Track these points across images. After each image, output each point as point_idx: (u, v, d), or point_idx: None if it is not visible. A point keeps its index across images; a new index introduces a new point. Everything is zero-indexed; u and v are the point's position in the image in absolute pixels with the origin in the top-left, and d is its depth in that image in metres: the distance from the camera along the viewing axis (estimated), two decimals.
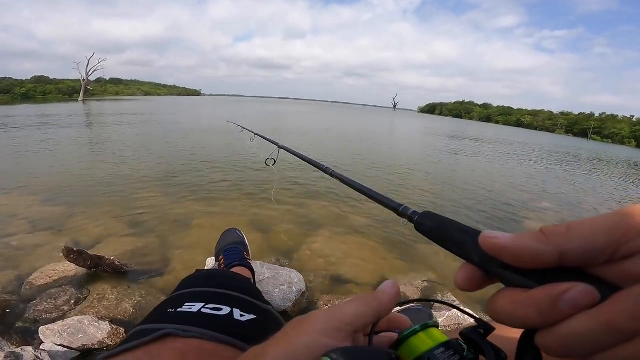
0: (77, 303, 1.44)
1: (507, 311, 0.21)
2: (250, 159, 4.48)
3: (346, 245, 2.18)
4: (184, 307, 0.43)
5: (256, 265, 1.50)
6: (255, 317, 0.45)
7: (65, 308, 1.40)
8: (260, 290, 1.28)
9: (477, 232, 0.24)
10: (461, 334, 0.27)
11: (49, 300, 1.42)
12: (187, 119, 12.24)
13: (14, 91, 44.72)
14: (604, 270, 0.19)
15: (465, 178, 5.16)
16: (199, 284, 0.49)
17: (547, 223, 3.22)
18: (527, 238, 0.21)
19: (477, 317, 0.29)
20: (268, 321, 0.47)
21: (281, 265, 1.66)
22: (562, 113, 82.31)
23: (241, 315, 0.44)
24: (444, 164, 6.44)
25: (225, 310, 0.43)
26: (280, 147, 1.24)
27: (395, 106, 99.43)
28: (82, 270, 1.63)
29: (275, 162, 1.23)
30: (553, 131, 72.55)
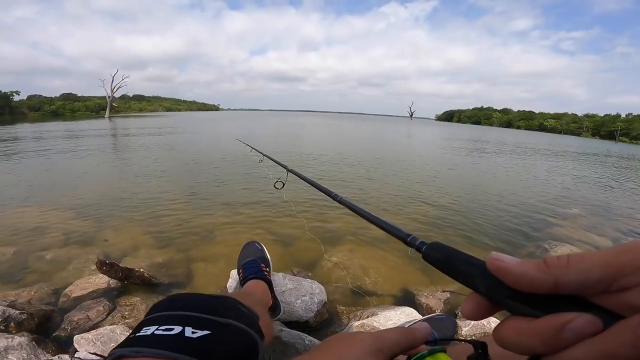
0: (109, 313, 1.51)
1: (513, 340, 0.23)
2: (267, 175, 4.55)
3: (367, 257, 2.18)
4: (140, 331, 0.47)
5: (278, 277, 1.53)
6: (209, 332, 0.47)
7: (99, 318, 1.47)
8: (282, 300, 1.32)
9: (483, 263, 0.26)
10: (468, 358, 0.29)
11: (83, 311, 1.49)
12: (207, 135, 12.56)
13: (44, 108, 46.89)
14: (605, 299, 0.21)
15: (491, 186, 5.07)
16: (161, 309, 0.53)
17: (577, 229, 3.14)
18: (530, 265, 0.23)
19: (469, 340, 0.31)
20: (225, 334, 0.49)
21: (302, 277, 1.68)
22: (586, 115, 79.56)
23: (193, 332, 0.46)
24: (467, 172, 6.35)
25: (177, 329, 0.46)
26: (288, 170, 1.25)
27: (411, 115, 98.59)
28: (113, 282, 1.70)
29: (284, 185, 1.24)
30: (579, 134, 70.05)
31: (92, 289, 1.66)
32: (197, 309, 0.51)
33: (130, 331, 0.52)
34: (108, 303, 1.56)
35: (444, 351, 0.32)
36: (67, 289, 1.67)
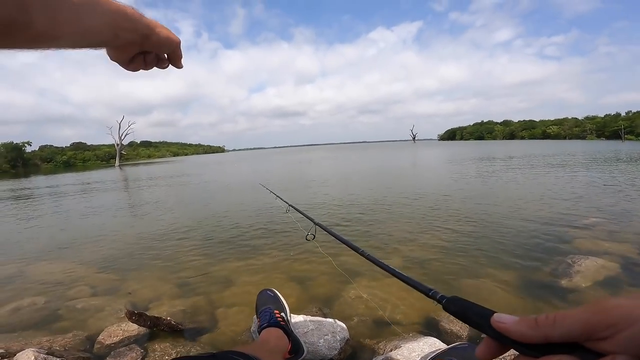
0: (142, 359, 1.57)
1: None
2: (281, 216, 4.58)
3: (385, 288, 2.19)
4: None
5: (299, 318, 1.58)
6: None
7: None
8: (305, 341, 1.37)
9: (491, 314, 0.34)
10: None
11: (118, 358, 1.55)
12: (216, 180, 12.70)
13: (56, 159, 47.89)
14: (592, 344, 0.27)
15: (505, 203, 5.01)
16: None
17: (597, 240, 3.06)
18: (523, 325, 0.30)
19: None
20: None
21: (323, 315, 1.72)
22: (587, 118, 79.21)
23: None
24: (478, 192, 6.29)
25: None
26: (316, 223, 1.28)
27: (414, 137, 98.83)
28: (143, 330, 1.77)
29: (314, 237, 1.27)
30: (584, 138, 69.44)
31: (123, 336, 1.72)
32: None
33: None
34: (140, 349, 1.62)
35: None
36: (100, 336, 1.75)
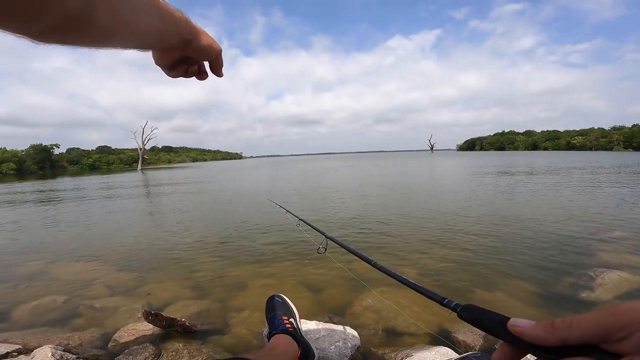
0: (155, 359, 1.59)
1: None
2: (291, 225, 4.60)
3: (398, 298, 2.17)
4: None
5: (312, 324, 1.58)
6: None
7: None
8: (317, 347, 1.36)
9: (506, 320, 0.35)
10: None
11: (131, 356, 1.58)
12: (233, 186, 12.92)
13: (82, 162, 49.63)
14: (608, 345, 0.27)
15: (528, 215, 4.88)
16: None
17: (621, 253, 2.98)
18: (540, 329, 0.31)
19: None
20: None
21: (334, 323, 1.72)
22: (614, 128, 76.12)
23: None
24: (501, 203, 6.15)
25: None
26: (327, 237, 1.30)
27: (432, 147, 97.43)
28: (157, 330, 1.80)
29: (325, 250, 1.29)
30: (610, 149, 66.73)
31: (138, 335, 1.76)
32: None
33: None
34: (153, 348, 1.65)
35: None
36: (116, 335, 1.80)
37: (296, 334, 1.28)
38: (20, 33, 0.27)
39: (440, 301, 0.51)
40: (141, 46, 0.43)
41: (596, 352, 0.28)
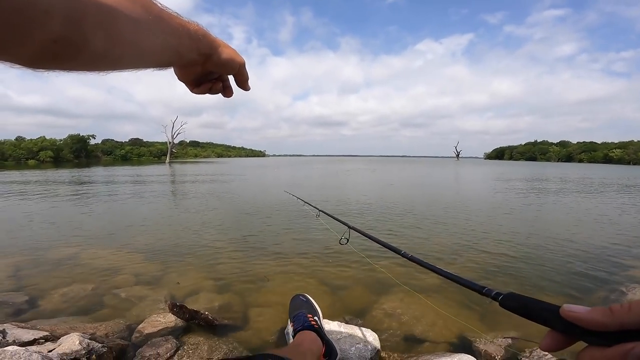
0: (176, 351, 1.62)
1: None
2: (315, 222, 4.63)
3: (420, 304, 2.14)
4: None
5: (334, 324, 1.57)
6: None
7: (167, 355, 1.58)
8: (335, 347, 1.35)
9: (556, 307, 0.33)
10: None
11: (153, 348, 1.61)
12: (260, 182, 13.15)
13: (115, 152, 52.08)
14: None
15: (557, 229, 4.73)
16: None
17: None
18: (598, 313, 0.29)
19: None
20: None
21: (355, 324, 1.70)
22: None
23: None
24: (528, 215, 5.97)
25: None
26: (350, 227, 1.28)
27: (458, 155, 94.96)
28: (179, 322, 1.84)
29: (348, 240, 1.26)
30: None
31: (161, 327, 1.80)
32: None
33: None
34: (175, 341, 1.68)
35: None
36: (140, 326, 1.83)
37: (321, 331, 1.27)
38: (8, 61, 0.26)
39: (479, 290, 0.49)
40: (156, 65, 0.41)
41: None
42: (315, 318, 1.37)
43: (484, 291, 0.48)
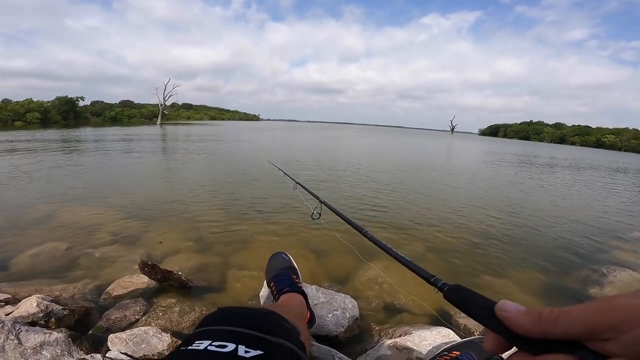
0: (144, 313, 1.55)
1: None
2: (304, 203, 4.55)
3: (402, 274, 2.09)
4: (193, 345, 0.46)
5: (312, 289, 1.50)
6: (262, 352, 0.46)
7: (134, 317, 1.51)
8: (314, 313, 1.28)
9: (493, 304, 0.31)
10: None
11: (121, 310, 1.54)
12: (249, 146, 12.93)
13: (105, 114, 51.01)
14: (594, 344, 0.25)
15: (544, 206, 4.76)
16: (213, 322, 0.52)
17: (638, 253, 2.95)
18: (526, 317, 0.28)
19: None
20: (276, 354, 0.48)
21: (335, 291, 1.64)
22: None
23: (246, 352, 0.45)
24: (515, 191, 5.99)
25: (230, 347, 0.45)
26: (321, 202, 1.27)
27: (452, 129, 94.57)
28: (152, 283, 1.76)
29: (320, 215, 1.25)
30: None
31: (132, 288, 1.72)
32: (249, 326, 0.51)
33: (181, 341, 0.52)
34: (145, 303, 1.61)
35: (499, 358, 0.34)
36: (110, 287, 1.75)
37: (306, 296, 1.17)
38: None
39: (428, 278, 0.48)
40: None
41: (580, 350, 0.25)
42: (298, 281, 1.26)
43: (431, 280, 0.47)
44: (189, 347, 0.45)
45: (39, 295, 1.42)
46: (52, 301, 1.42)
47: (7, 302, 1.49)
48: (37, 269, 2.03)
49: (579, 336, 0.26)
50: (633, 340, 0.23)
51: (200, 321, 0.55)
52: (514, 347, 0.30)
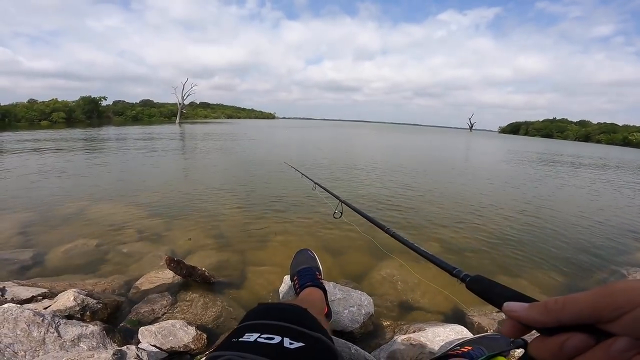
0: (171, 307, 1.64)
1: (537, 353, 0.30)
2: (325, 203, 4.59)
3: (418, 272, 2.12)
4: (243, 337, 0.52)
5: (329, 286, 1.56)
6: (303, 344, 0.51)
7: (162, 311, 1.60)
8: (331, 309, 1.34)
9: (512, 293, 0.35)
10: (519, 359, 0.35)
11: (149, 304, 1.63)
12: (267, 145, 13.05)
13: (126, 113, 52.41)
14: (604, 325, 0.27)
15: (566, 206, 4.68)
16: (258, 317, 0.58)
17: None
18: (535, 311, 0.30)
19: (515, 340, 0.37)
20: (316, 349, 0.52)
21: (352, 288, 1.69)
22: None
23: (290, 343, 0.50)
24: (537, 191, 5.85)
25: (277, 339, 0.50)
26: (342, 201, 1.29)
27: (471, 127, 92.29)
28: (177, 278, 1.86)
29: (342, 214, 1.27)
30: None
31: (158, 283, 1.82)
32: (291, 321, 0.57)
33: (230, 331, 0.59)
34: (171, 297, 1.70)
35: (504, 354, 0.39)
36: (138, 282, 1.86)
37: (326, 292, 1.23)
38: None
39: (450, 270, 0.50)
40: None
41: (594, 332, 0.27)
42: (320, 277, 1.32)
43: (454, 272, 0.49)
44: (240, 339, 0.51)
45: (75, 290, 1.52)
46: (87, 295, 1.51)
47: (44, 296, 1.59)
48: (69, 264, 2.15)
49: (587, 319, 0.27)
50: (633, 319, 0.25)
51: (245, 316, 0.61)
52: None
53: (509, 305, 0.33)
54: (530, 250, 2.75)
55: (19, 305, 1.27)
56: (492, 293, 0.37)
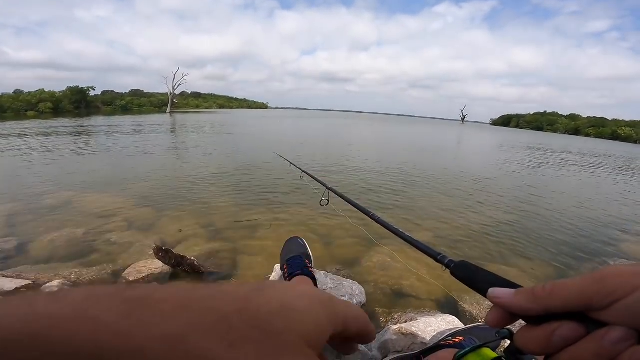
0: None
1: (524, 344, 0.28)
2: (313, 191, 4.54)
3: (410, 261, 2.12)
4: None
5: (320, 275, 1.54)
6: None
7: None
8: None
9: (497, 280, 0.33)
10: (505, 351, 0.32)
11: None
12: (258, 135, 12.95)
13: (115, 103, 51.53)
14: (594, 313, 0.25)
15: (555, 198, 4.75)
16: None
17: None
18: (521, 298, 0.28)
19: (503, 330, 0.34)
20: None
21: (343, 277, 1.68)
22: None
23: None
24: (527, 183, 5.92)
25: None
26: (328, 188, 1.27)
27: (463, 119, 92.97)
28: (166, 268, 1.83)
29: (328, 202, 1.26)
30: None
31: (146, 273, 1.79)
32: None
33: None
34: None
35: (491, 346, 0.37)
36: (125, 272, 1.82)
37: (316, 281, 1.21)
38: None
39: (435, 256, 0.48)
40: None
41: (584, 320, 0.25)
42: (311, 265, 1.29)
43: (438, 257, 0.47)
44: None
45: (60, 280, 1.48)
46: (73, 286, 1.48)
47: (28, 287, 1.55)
48: (55, 254, 2.10)
49: (577, 306, 0.26)
50: (626, 306, 0.23)
51: None
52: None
53: (494, 291, 0.30)
54: (519, 240, 2.79)
55: (2, 297, 1.23)
56: (476, 280, 0.35)
